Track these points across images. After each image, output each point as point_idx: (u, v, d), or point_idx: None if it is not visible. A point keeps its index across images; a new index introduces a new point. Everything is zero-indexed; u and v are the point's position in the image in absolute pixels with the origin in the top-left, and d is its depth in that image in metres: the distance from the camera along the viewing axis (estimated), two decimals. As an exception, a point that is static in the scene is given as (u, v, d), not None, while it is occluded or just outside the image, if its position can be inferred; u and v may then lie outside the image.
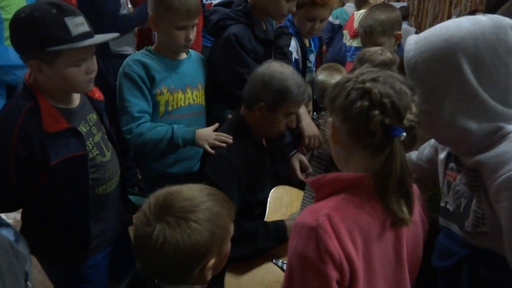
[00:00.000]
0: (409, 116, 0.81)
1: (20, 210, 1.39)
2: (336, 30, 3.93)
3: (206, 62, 1.85)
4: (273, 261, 1.42)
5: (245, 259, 1.37)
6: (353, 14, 3.43)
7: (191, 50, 1.81)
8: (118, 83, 1.63)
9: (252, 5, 1.78)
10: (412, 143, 0.85)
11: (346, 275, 0.81)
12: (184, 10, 1.55)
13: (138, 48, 2.51)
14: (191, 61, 1.76)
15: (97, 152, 1.36)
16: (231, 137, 1.51)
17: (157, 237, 0.83)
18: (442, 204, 1.12)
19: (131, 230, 1.65)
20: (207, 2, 2.77)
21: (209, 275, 0.92)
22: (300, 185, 1.64)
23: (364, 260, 0.84)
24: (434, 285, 1.17)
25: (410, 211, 0.86)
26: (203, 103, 1.79)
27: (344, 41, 3.47)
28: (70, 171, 1.26)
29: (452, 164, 1.08)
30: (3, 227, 1.15)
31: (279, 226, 1.43)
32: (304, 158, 1.76)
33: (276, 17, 1.85)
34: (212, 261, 0.89)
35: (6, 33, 2.02)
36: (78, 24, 1.19)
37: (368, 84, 0.83)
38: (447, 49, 0.93)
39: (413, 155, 1.32)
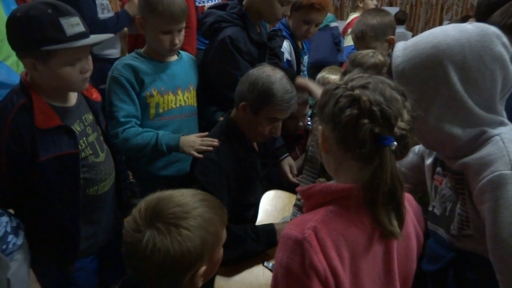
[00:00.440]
0: (400, 124, 0.79)
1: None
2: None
3: (198, 64, 1.85)
4: (264, 264, 1.42)
5: (234, 262, 1.37)
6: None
7: (182, 52, 1.81)
8: (107, 87, 1.63)
9: (246, 8, 1.79)
10: (403, 152, 0.82)
11: None
12: (167, 15, 1.55)
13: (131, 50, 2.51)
14: (182, 62, 1.76)
15: (90, 152, 1.36)
16: (216, 140, 1.50)
17: (146, 244, 0.81)
18: (430, 208, 1.13)
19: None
20: (200, 5, 2.78)
21: (200, 283, 0.90)
22: (291, 189, 1.64)
23: (351, 274, 0.83)
24: (425, 290, 1.17)
25: (401, 223, 0.84)
26: (195, 104, 1.79)
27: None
28: (60, 169, 1.25)
29: (438, 169, 1.10)
30: (4, 216, 1.18)
31: (269, 230, 1.43)
32: (293, 164, 1.77)
33: (270, 20, 1.87)
34: (203, 268, 0.88)
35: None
36: (73, 24, 1.20)
37: (357, 91, 0.80)
38: (434, 56, 0.94)
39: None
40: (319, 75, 2.17)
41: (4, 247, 1.15)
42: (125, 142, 1.57)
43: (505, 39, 0.94)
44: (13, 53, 1.30)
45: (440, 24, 6.07)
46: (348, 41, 3.38)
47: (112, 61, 1.99)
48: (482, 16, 1.54)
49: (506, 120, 0.98)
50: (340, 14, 7.43)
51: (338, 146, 0.84)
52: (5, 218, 1.18)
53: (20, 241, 1.20)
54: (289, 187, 1.69)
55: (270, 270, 1.40)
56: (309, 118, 2.02)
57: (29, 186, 1.25)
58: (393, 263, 0.88)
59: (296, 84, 1.73)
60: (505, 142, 0.92)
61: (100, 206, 1.43)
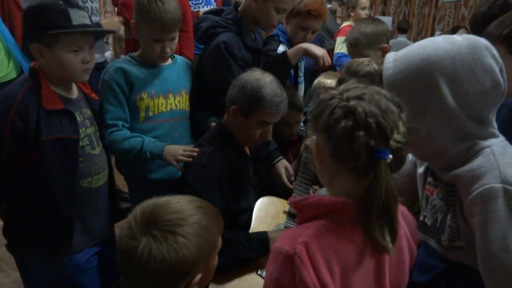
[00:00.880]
0: (396, 136, 0.78)
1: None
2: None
3: (193, 68, 1.85)
4: (258, 272, 1.41)
5: (225, 269, 1.35)
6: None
7: (177, 56, 1.82)
8: (99, 89, 1.64)
9: (242, 14, 1.79)
10: (399, 165, 0.81)
11: None
12: (159, 24, 1.56)
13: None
14: (175, 66, 1.77)
15: (87, 143, 1.43)
16: (197, 150, 1.51)
17: (142, 251, 0.80)
18: (421, 218, 1.13)
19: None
20: (195, 10, 2.78)
21: None
22: (284, 195, 1.64)
23: None
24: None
25: (394, 238, 0.82)
26: (187, 108, 1.79)
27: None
28: (60, 152, 1.32)
29: (429, 179, 1.10)
30: None
31: (262, 237, 1.43)
32: (289, 166, 1.76)
33: (265, 27, 1.87)
34: (198, 276, 0.87)
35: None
36: (80, 16, 1.31)
37: (352, 102, 0.79)
38: (425, 68, 0.94)
39: None
40: (316, 80, 2.18)
41: None
42: (112, 144, 1.58)
43: (494, 51, 0.95)
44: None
45: (432, 34, 6.17)
46: (340, 48, 3.42)
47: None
48: (478, 28, 1.55)
49: (497, 132, 0.99)
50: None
51: (332, 157, 0.83)
52: None
53: None
54: (282, 193, 1.68)
55: (264, 279, 1.39)
56: (302, 124, 2.02)
57: (29, 165, 1.30)
58: (384, 278, 0.87)
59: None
60: (496, 154, 0.93)
61: (92, 201, 1.45)
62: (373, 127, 0.76)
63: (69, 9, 1.28)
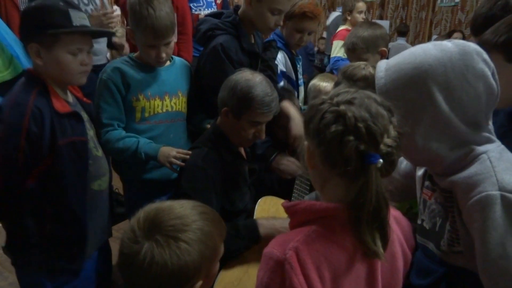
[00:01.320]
0: (386, 140, 0.78)
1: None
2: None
3: (191, 70, 1.86)
4: None
5: None
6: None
7: (175, 57, 1.83)
8: (96, 89, 1.65)
9: (241, 17, 1.80)
10: (390, 169, 0.81)
11: None
12: (150, 31, 1.57)
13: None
14: (173, 68, 1.77)
15: (93, 145, 1.43)
16: (190, 153, 1.52)
17: (144, 256, 0.80)
18: (419, 221, 1.14)
19: (111, 241, 1.63)
20: (196, 13, 2.79)
21: None
22: (283, 194, 1.64)
23: None
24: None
25: (385, 243, 0.82)
26: (184, 110, 1.80)
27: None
28: (73, 155, 1.30)
29: (427, 183, 1.10)
30: None
31: (250, 224, 1.42)
32: (290, 158, 1.76)
33: (262, 30, 1.87)
34: (199, 283, 0.87)
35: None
36: (81, 17, 1.31)
37: (342, 107, 0.79)
38: (418, 77, 0.94)
39: None
40: (311, 82, 2.20)
41: None
42: (107, 144, 1.59)
43: (485, 55, 0.95)
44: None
45: (430, 38, 6.20)
46: (337, 52, 3.43)
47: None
48: (478, 28, 1.55)
49: (493, 137, 0.99)
50: (331, 26, 7.53)
51: (323, 162, 0.83)
52: None
53: None
54: (281, 192, 1.68)
55: None
56: None
57: (44, 169, 1.27)
58: (377, 283, 0.87)
59: (280, 107, 1.75)
60: (492, 161, 0.93)
61: (100, 204, 1.45)
62: (363, 132, 0.76)
63: (69, 9, 1.28)
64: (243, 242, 1.38)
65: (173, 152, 1.56)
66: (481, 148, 0.95)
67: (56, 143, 1.25)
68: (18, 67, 2.04)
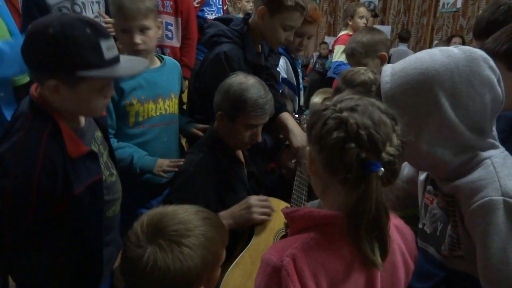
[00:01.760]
0: (388, 149, 0.77)
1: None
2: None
3: (181, 70, 1.85)
4: None
5: None
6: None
7: (166, 58, 1.80)
8: None
9: (251, 28, 1.79)
10: (391, 178, 0.80)
11: None
12: (120, 11, 1.53)
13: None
14: (164, 69, 1.74)
15: (108, 173, 1.27)
16: (182, 160, 1.55)
17: (147, 260, 0.80)
18: (420, 226, 1.14)
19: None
20: (209, 17, 2.77)
21: None
22: (283, 195, 1.64)
23: None
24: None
25: (384, 253, 0.81)
26: (176, 112, 1.79)
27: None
28: (90, 199, 1.15)
29: (429, 187, 1.10)
30: None
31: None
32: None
33: (272, 44, 1.87)
34: None
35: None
36: (110, 47, 1.08)
37: (345, 114, 0.79)
38: (424, 83, 0.94)
39: None
40: (314, 100, 2.16)
41: None
42: None
43: (491, 62, 0.96)
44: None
45: (431, 43, 6.22)
46: (338, 57, 3.44)
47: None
48: (480, 32, 1.55)
49: (497, 143, 0.99)
50: (333, 31, 7.58)
51: (324, 169, 0.82)
52: None
53: None
54: (280, 193, 1.68)
55: None
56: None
57: (55, 219, 1.12)
58: None
59: (278, 120, 1.77)
60: (496, 166, 0.93)
61: (113, 228, 1.34)
62: (365, 139, 0.76)
63: (100, 40, 1.04)
64: None
65: (166, 162, 1.58)
66: (485, 154, 0.96)
67: (72, 193, 1.09)
68: None
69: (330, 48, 5.96)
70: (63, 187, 1.08)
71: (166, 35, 2.40)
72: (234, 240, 1.48)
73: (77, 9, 2.18)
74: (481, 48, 1.11)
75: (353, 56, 2.12)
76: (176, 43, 2.45)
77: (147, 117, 1.67)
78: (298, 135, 1.74)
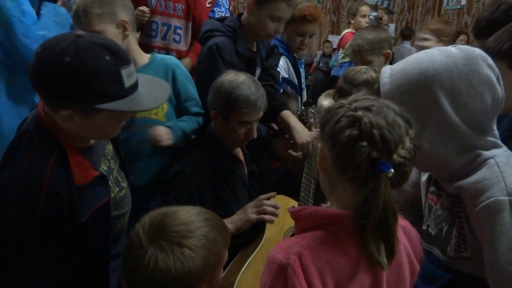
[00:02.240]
0: (400, 151, 0.77)
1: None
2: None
3: (174, 70, 1.75)
4: None
5: None
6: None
7: (157, 55, 1.72)
8: None
9: (243, 24, 1.82)
10: (401, 181, 0.80)
11: None
12: (74, 21, 1.49)
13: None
14: (151, 68, 1.62)
15: (117, 189, 1.21)
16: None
17: (148, 261, 0.80)
18: (424, 227, 1.13)
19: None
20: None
21: None
22: (292, 191, 1.63)
23: None
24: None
25: (391, 254, 0.81)
26: (153, 116, 1.67)
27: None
28: (97, 222, 1.08)
29: (432, 188, 1.10)
30: None
31: None
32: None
33: (262, 37, 1.87)
34: None
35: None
36: (130, 73, 0.99)
37: (359, 112, 0.79)
38: (423, 83, 0.94)
39: None
40: (320, 103, 2.15)
41: None
42: None
43: (490, 60, 0.96)
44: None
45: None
46: (343, 57, 3.45)
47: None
48: (480, 31, 1.55)
49: (499, 142, 0.99)
50: (336, 29, 7.57)
51: (334, 166, 0.82)
52: None
53: None
54: (286, 189, 1.68)
55: None
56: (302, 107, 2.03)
57: (60, 241, 1.05)
58: None
59: (279, 119, 1.77)
60: (500, 166, 0.93)
61: (120, 239, 1.29)
62: (377, 139, 0.76)
63: (121, 69, 0.96)
64: None
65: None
66: (488, 153, 0.95)
67: (78, 221, 1.03)
68: None
69: (334, 46, 5.96)
70: (69, 216, 1.02)
71: (174, 39, 2.32)
72: (242, 238, 1.49)
73: None
74: (482, 47, 1.11)
75: (359, 52, 2.11)
76: (183, 47, 2.36)
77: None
78: (301, 131, 1.74)
